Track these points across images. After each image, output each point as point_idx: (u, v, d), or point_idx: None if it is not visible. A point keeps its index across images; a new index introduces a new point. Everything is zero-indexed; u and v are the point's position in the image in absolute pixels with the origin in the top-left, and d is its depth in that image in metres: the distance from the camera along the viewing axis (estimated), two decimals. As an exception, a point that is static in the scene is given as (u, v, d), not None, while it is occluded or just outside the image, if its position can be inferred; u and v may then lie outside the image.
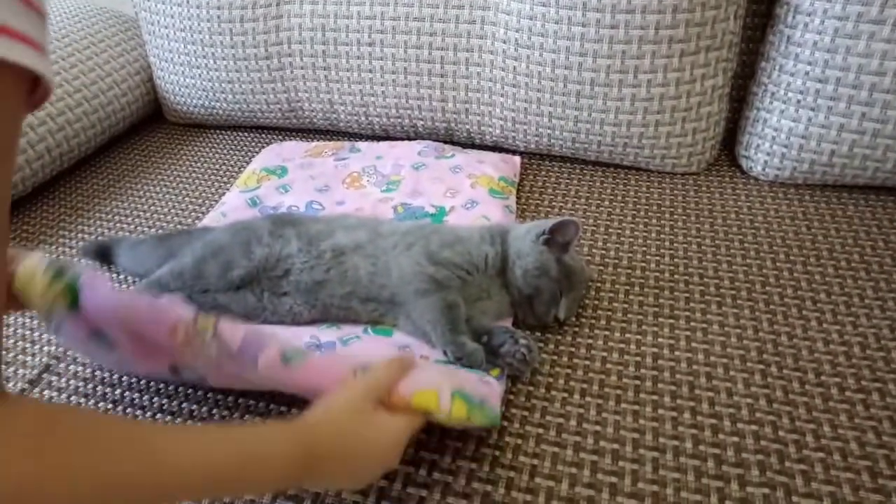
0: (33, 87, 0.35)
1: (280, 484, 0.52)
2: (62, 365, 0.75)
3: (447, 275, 0.72)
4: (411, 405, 0.56)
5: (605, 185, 1.06)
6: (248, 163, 1.15)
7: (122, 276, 0.90)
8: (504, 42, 1.02)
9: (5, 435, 0.34)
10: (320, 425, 0.51)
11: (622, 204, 1.00)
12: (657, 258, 0.88)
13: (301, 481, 0.53)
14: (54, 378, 0.74)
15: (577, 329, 0.77)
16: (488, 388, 0.64)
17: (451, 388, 0.57)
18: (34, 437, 0.35)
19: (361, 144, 1.13)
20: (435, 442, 0.64)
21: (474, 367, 0.67)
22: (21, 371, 0.75)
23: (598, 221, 0.96)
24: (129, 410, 0.69)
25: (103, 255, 0.91)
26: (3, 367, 0.76)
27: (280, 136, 1.26)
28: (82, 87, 1.15)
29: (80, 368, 0.75)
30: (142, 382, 0.73)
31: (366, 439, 0.52)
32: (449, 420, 0.57)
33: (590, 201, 1.01)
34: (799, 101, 0.96)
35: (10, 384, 0.73)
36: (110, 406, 0.70)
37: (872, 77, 0.89)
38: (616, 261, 0.88)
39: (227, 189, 1.08)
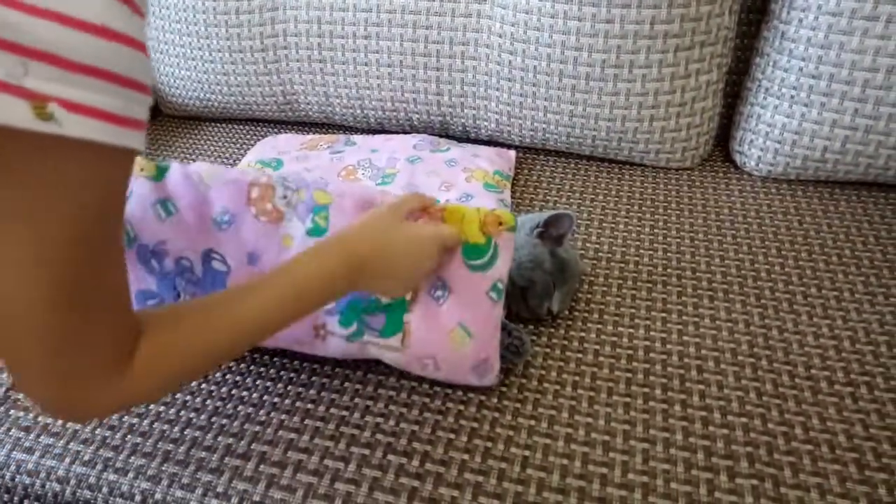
0: None
1: (339, 293, 0.59)
2: None
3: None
4: (446, 210, 0.65)
5: (599, 179, 1.06)
6: (243, 155, 1.15)
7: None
8: (500, 36, 1.02)
9: (136, 373, 0.45)
10: (357, 234, 0.60)
11: (616, 198, 1.01)
12: (650, 252, 0.89)
13: (356, 285, 0.58)
14: (21, 395, 0.72)
15: (569, 322, 0.77)
16: None
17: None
18: (160, 359, 0.46)
19: (357, 137, 1.13)
20: (427, 433, 0.64)
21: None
22: None
23: (592, 216, 0.97)
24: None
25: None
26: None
27: (275, 129, 1.26)
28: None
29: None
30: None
31: (398, 240, 0.60)
32: (477, 215, 0.65)
33: (584, 196, 1.02)
34: (792, 97, 0.96)
35: (4, 374, 0.73)
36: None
37: (865, 73, 0.89)
38: (609, 255, 0.88)
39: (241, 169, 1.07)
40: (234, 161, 1.15)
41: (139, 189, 0.67)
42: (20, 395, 0.71)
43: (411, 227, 0.63)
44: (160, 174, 0.68)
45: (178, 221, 0.67)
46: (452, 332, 0.65)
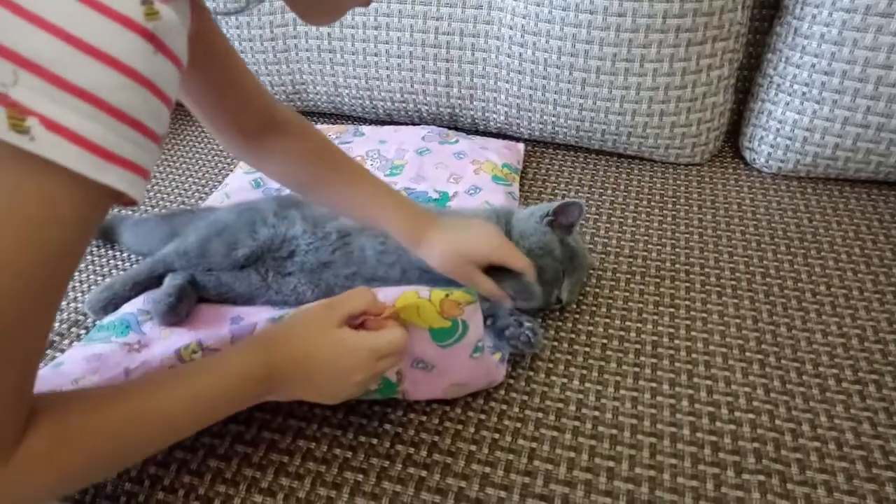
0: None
1: (253, 399, 0.55)
2: (66, 341, 0.76)
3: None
4: (396, 310, 0.60)
5: (608, 174, 1.06)
6: (251, 144, 1.15)
7: (125, 255, 0.90)
8: (510, 28, 1.02)
9: (27, 460, 0.39)
10: (279, 338, 0.55)
11: (625, 193, 1.00)
12: (659, 247, 0.89)
13: (271, 394, 0.55)
14: (58, 354, 0.74)
15: (577, 316, 0.77)
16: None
17: (427, 288, 0.63)
18: (48, 455, 0.40)
19: (365, 128, 1.13)
20: (435, 424, 0.65)
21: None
22: None
23: (601, 210, 0.97)
24: None
25: (107, 233, 0.91)
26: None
27: (284, 119, 1.26)
28: (86, 64, 1.14)
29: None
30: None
31: (321, 348, 0.54)
32: (432, 305, 0.61)
33: (593, 190, 1.02)
34: (804, 94, 0.96)
35: None
36: None
37: (879, 70, 0.88)
38: (618, 249, 0.88)
39: (231, 170, 1.08)
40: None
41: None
42: None
43: (341, 335, 0.55)
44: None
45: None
46: (446, 389, 0.66)
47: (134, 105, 0.35)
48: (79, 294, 0.84)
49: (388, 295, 0.62)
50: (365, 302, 0.57)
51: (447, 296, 0.63)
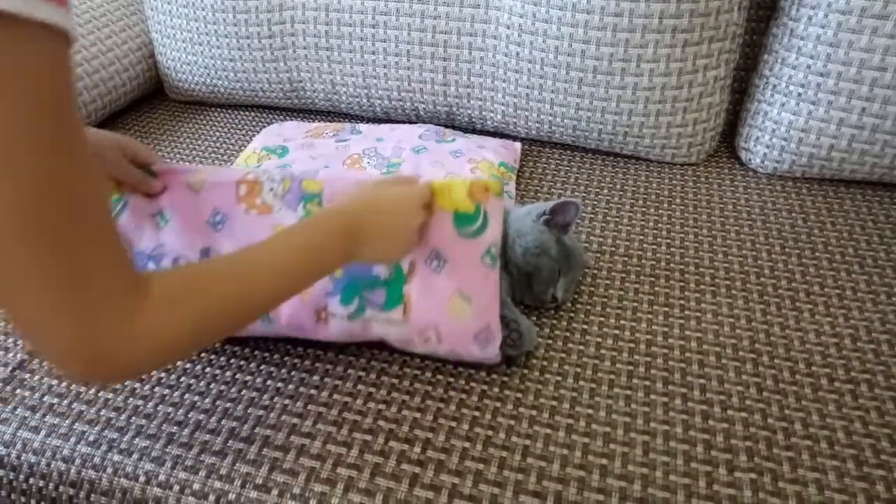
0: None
1: (338, 256, 0.60)
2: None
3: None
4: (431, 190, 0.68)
5: (604, 173, 1.06)
6: (248, 142, 1.15)
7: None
8: (508, 27, 1.02)
9: (159, 303, 0.43)
10: (348, 198, 0.64)
11: (621, 192, 1.01)
12: (653, 247, 0.89)
13: (352, 251, 0.60)
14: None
15: (572, 314, 0.78)
16: None
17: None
18: (178, 298, 0.45)
19: (362, 126, 1.13)
20: (429, 421, 0.65)
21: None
22: (21, 341, 0.75)
23: (597, 209, 0.97)
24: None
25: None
26: (4, 336, 0.76)
27: (281, 116, 1.26)
28: (83, 61, 1.14)
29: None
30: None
31: (386, 198, 0.63)
32: (464, 184, 0.68)
33: (589, 189, 1.02)
34: (800, 95, 0.96)
35: (10, 354, 0.74)
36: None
37: (874, 72, 0.89)
38: (613, 248, 0.89)
39: (228, 167, 1.08)
40: (240, 147, 1.15)
41: (134, 202, 0.71)
42: (43, 361, 0.73)
43: (395, 186, 0.66)
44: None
45: (175, 227, 0.70)
46: (451, 298, 0.67)
47: None
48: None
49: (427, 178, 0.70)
50: (406, 178, 0.70)
51: (478, 179, 0.69)
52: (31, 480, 0.65)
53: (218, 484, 0.61)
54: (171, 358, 0.48)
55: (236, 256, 0.52)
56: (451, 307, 0.67)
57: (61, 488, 0.64)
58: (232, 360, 0.72)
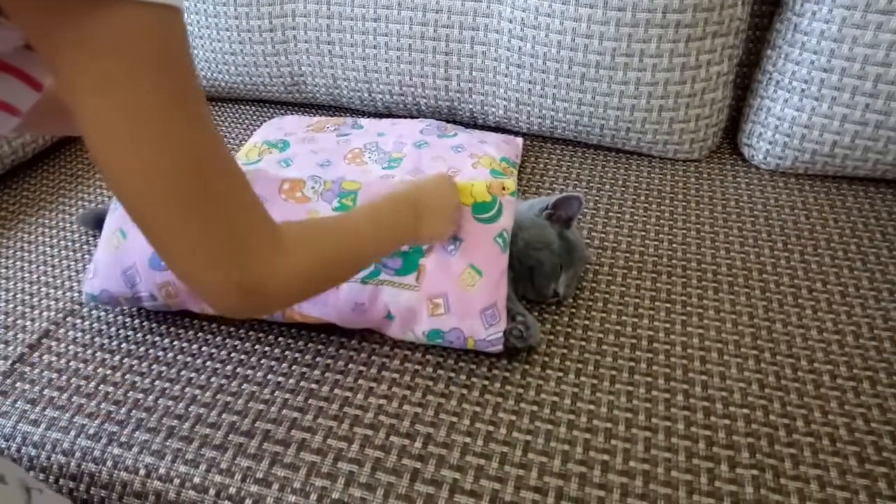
0: None
1: (408, 231, 0.65)
2: (61, 331, 0.76)
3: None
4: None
5: (606, 169, 1.06)
6: (249, 136, 1.15)
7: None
8: (510, 21, 1.02)
9: (292, 242, 0.49)
10: (404, 186, 0.70)
11: (623, 188, 1.00)
12: (656, 243, 0.89)
13: (417, 228, 0.66)
14: (53, 343, 0.74)
15: (574, 310, 0.78)
16: None
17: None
18: (304, 240, 0.51)
19: (364, 121, 1.12)
20: (430, 416, 0.65)
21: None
22: (21, 335, 0.75)
23: (599, 205, 0.97)
24: (127, 376, 0.70)
25: (101, 223, 0.91)
26: (4, 330, 0.76)
27: (282, 111, 1.26)
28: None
29: (79, 334, 0.76)
30: (140, 349, 0.73)
31: (443, 186, 0.72)
32: (484, 183, 0.76)
33: (591, 185, 1.02)
34: (803, 91, 0.96)
35: (10, 348, 0.74)
36: (109, 372, 0.71)
37: (878, 68, 0.88)
38: (615, 244, 0.88)
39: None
40: (241, 141, 1.15)
41: None
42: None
43: (427, 179, 0.75)
44: None
45: None
46: (463, 272, 0.70)
47: None
48: (74, 283, 0.84)
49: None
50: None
51: (498, 181, 0.79)
52: (32, 474, 0.65)
53: (218, 478, 0.61)
54: (307, 292, 0.54)
55: (335, 220, 0.62)
56: (463, 278, 0.70)
57: (61, 481, 0.64)
58: (233, 355, 0.72)
